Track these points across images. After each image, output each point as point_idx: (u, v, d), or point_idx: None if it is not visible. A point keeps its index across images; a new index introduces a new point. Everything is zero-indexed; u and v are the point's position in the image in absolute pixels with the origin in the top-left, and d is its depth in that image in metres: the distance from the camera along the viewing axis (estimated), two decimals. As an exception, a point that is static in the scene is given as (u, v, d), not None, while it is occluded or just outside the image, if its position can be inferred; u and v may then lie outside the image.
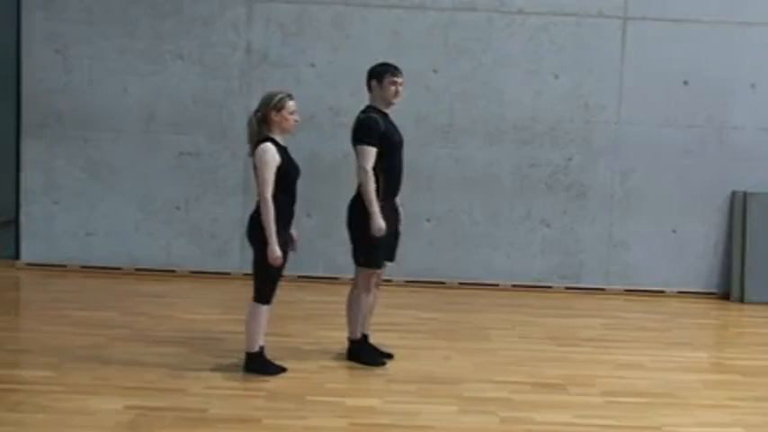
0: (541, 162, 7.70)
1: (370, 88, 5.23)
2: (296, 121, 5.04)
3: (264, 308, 5.00)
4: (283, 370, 5.03)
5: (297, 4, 7.60)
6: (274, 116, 4.94)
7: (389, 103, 5.21)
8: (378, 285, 5.39)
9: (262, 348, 5.04)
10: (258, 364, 5.00)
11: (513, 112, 7.67)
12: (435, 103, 7.65)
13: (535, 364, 5.45)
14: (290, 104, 4.97)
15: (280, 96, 4.96)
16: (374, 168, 5.09)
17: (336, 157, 7.49)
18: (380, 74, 5.19)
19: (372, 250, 5.13)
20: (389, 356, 5.37)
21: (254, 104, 7.52)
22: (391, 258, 5.34)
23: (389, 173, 5.17)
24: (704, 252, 7.78)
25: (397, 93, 5.19)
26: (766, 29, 7.61)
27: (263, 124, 4.97)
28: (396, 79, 5.17)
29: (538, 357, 5.60)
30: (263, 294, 5.01)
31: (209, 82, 7.64)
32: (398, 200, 5.36)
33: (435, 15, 7.61)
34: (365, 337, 5.38)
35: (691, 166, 7.71)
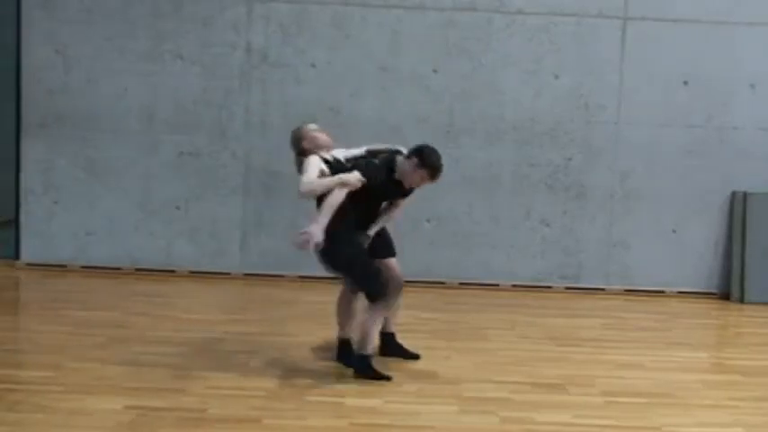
0: (541, 162, 7.70)
1: (409, 157, 5.02)
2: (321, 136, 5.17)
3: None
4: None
5: (296, 3, 7.60)
6: (306, 144, 5.13)
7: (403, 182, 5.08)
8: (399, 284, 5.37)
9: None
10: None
11: (513, 112, 7.67)
12: (435, 103, 7.64)
13: (535, 364, 5.44)
14: (311, 126, 5.19)
15: (297, 130, 5.21)
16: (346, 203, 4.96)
17: (336, 157, 7.48)
18: (425, 165, 4.97)
19: (377, 278, 5.04)
20: (416, 357, 5.38)
21: (254, 104, 7.63)
22: (392, 254, 5.30)
23: (359, 212, 5.00)
24: (704, 252, 7.78)
25: (415, 185, 5.08)
26: (766, 29, 7.61)
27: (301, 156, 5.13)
28: (427, 181, 5.05)
29: (538, 357, 5.60)
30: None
31: (209, 82, 7.64)
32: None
33: (435, 15, 7.61)
34: (391, 335, 5.39)
35: (691, 167, 7.71)
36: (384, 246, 5.22)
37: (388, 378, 4.99)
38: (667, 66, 7.63)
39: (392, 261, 5.27)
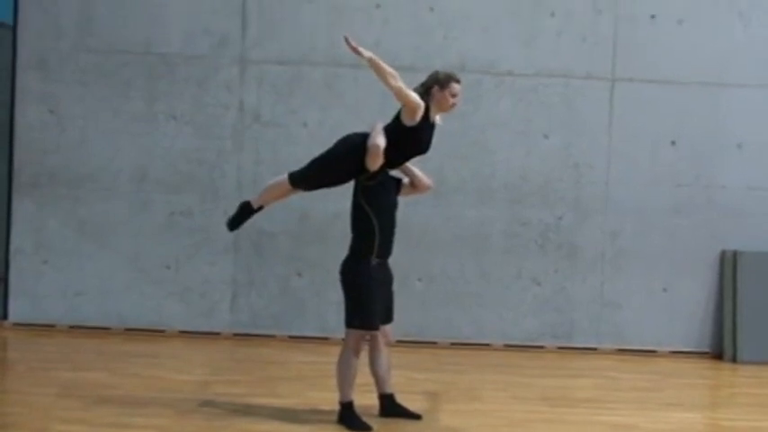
0: (532, 221, 7.74)
1: (428, 92, 5.09)
2: (454, 104, 5.10)
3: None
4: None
5: (289, 65, 7.70)
6: (436, 92, 5.04)
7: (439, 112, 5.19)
8: (388, 344, 5.34)
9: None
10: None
11: (504, 171, 7.73)
12: (425, 162, 7.60)
13: (529, 425, 5.38)
14: (455, 87, 5.06)
15: (446, 75, 5.08)
16: (369, 227, 5.08)
17: (327, 216, 7.51)
18: (443, 81, 5.09)
19: (367, 310, 5.08)
20: (418, 417, 5.33)
21: (247, 164, 7.68)
22: (390, 319, 5.31)
23: (382, 231, 5.16)
24: (696, 311, 7.77)
25: (450, 107, 5.15)
26: (751, 90, 7.75)
27: (425, 96, 5.05)
28: (457, 92, 5.11)
29: (532, 419, 5.54)
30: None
31: (202, 141, 7.69)
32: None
33: (426, 77, 7.68)
34: (391, 396, 5.33)
35: (680, 226, 7.76)
36: (383, 310, 5.21)
37: (369, 428, 5.03)
38: (655, 126, 7.73)
39: (386, 328, 5.26)
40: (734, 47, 7.74)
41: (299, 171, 5.26)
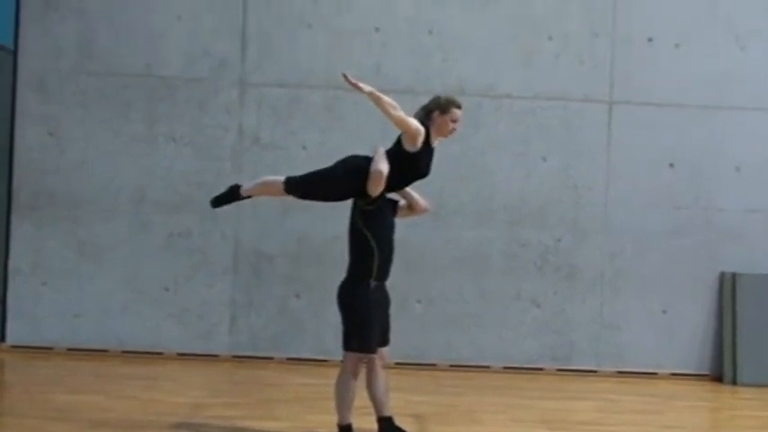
0: (531, 242, 7.74)
1: (428, 117, 5.11)
2: (454, 129, 5.11)
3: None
4: None
5: (289, 87, 7.74)
6: (437, 116, 5.04)
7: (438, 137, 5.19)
8: (385, 366, 5.31)
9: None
10: None
11: (503, 193, 7.75)
12: (425, 185, 7.62)
13: (528, 448, 5.35)
14: (456, 113, 5.05)
15: (447, 100, 5.08)
16: (367, 250, 5.08)
17: (325, 238, 7.52)
18: (444, 105, 5.11)
19: (365, 333, 5.06)
20: None
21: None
22: (386, 342, 5.29)
23: (380, 254, 5.15)
24: (695, 333, 7.76)
25: (450, 131, 5.17)
26: (748, 113, 7.79)
27: (425, 119, 5.06)
28: (458, 117, 5.12)
29: (531, 442, 5.51)
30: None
31: (201, 163, 7.70)
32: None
33: (425, 99, 7.70)
34: (389, 419, 5.28)
35: (679, 247, 7.76)
36: (380, 332, 5.19)
37: None
38: (653, 148, 7.76)
39: (383, 350, 5.23)
40: (731, 70, 7.79)
41: (296, 178, 5.29)
